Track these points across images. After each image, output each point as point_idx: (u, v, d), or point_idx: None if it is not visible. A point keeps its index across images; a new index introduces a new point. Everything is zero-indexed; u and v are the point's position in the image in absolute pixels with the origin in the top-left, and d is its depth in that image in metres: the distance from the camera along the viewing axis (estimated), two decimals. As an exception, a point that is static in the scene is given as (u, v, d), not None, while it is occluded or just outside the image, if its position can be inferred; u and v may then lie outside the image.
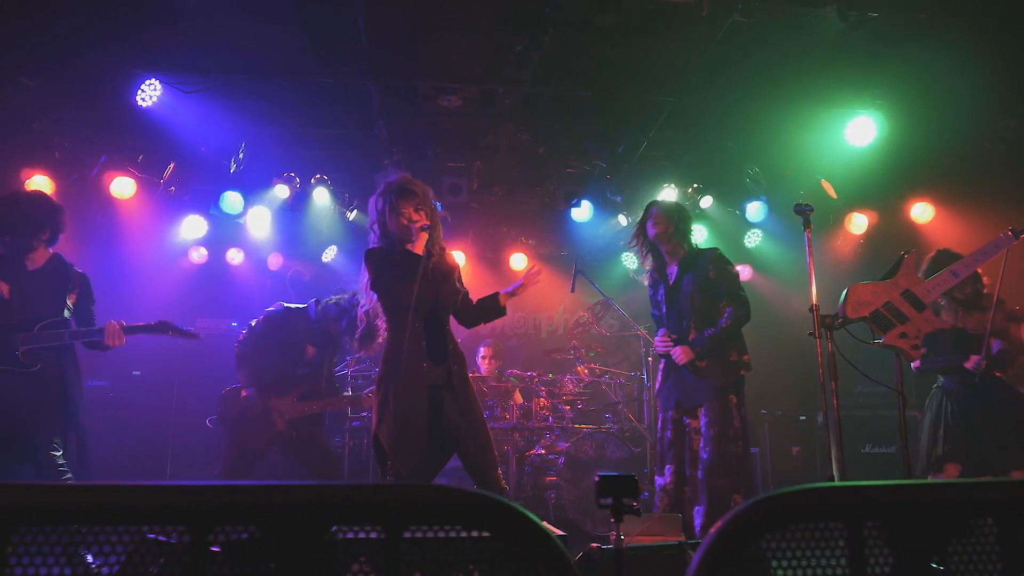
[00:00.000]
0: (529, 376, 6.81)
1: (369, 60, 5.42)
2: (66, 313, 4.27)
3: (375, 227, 3.88)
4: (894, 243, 7.84)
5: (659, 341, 4.49)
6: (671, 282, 4.54)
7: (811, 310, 3.46)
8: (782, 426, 8.23)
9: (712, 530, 1.05)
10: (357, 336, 4.04)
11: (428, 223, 3.76)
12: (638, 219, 4.70)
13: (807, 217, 3.54)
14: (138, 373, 7.28)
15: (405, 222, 3.75)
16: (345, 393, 5.86)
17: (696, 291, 4.40)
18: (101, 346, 4.29)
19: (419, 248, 3.77)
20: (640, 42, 5.49)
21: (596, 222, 8.01)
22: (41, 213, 4.23)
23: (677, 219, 4.50)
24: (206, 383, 6.74)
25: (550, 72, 5.80)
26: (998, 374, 4.51)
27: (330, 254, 8.23)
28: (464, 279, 4.03)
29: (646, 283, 4.82)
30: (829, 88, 6.08)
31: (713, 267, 4.44)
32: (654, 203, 4.69)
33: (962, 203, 7.14)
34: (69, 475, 4.21)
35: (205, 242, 7.91)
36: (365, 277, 3.84)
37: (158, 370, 7.16)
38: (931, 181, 7.24)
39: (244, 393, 5.32)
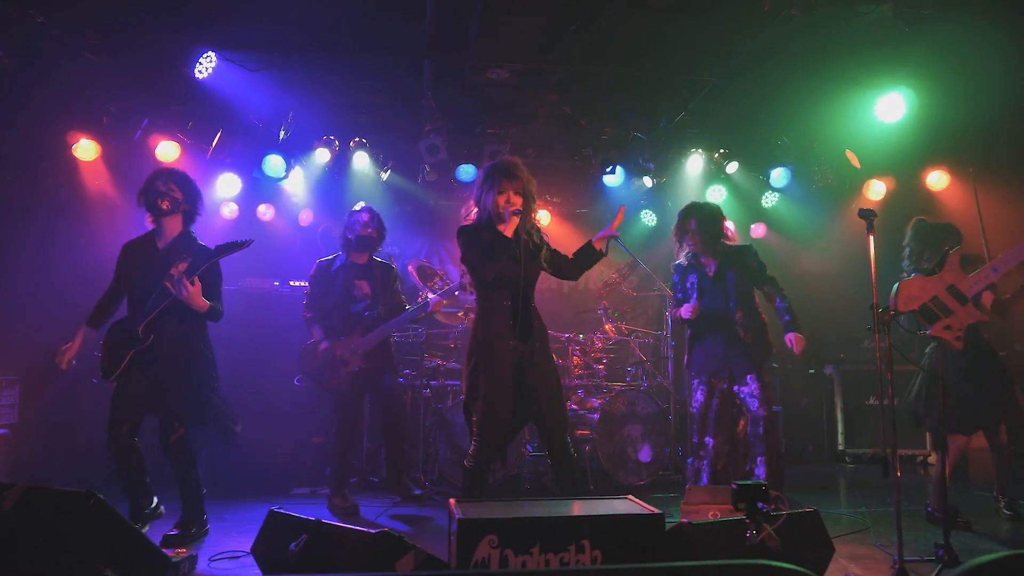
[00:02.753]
0: (566, 338, 7.11)
1: (428, 38, 5.53)
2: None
3: (474, 203, 4.12)
4: (909, 209, 8.13)
5: (688, 308, 5.31)
6: (711, 272, 5.43)
7: (871, 308, 3.71)
8: (792, 379, 8.73)
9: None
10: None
11: (520, 209, 3.97)
12: (678, 221, 5.54)
13: (871, 222, 3.74)
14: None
15: (503, 202, 3.97)
16: (409, 306, 5.89)
17: (740, 279, 5.36)
18: (195, 314, 4.32)
19: (510, 231, 3.95)
20: (690, 23, 5.63)
21: (622, 184, 8.19)
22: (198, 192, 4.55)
23: (713, 229, 5.37)
24: (256, 342, 6.90)
25: (598, 49, 5.93)
26: (985, 336, 4.78)
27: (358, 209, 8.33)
28: None
29: (675, 269, 5.68)
30: (864, 68, 6.27)
31: (755, 259, 5.46)
32: (691, 215, 5.42)
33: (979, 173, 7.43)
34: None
35: (235, 198, 8.01)
36: (458, 253, 4.16)
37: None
38: (949, 151, 7.51)
39: (322, 347, 5.66)
